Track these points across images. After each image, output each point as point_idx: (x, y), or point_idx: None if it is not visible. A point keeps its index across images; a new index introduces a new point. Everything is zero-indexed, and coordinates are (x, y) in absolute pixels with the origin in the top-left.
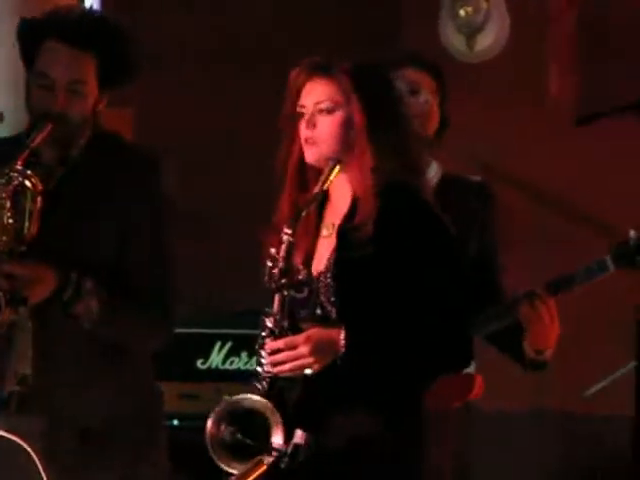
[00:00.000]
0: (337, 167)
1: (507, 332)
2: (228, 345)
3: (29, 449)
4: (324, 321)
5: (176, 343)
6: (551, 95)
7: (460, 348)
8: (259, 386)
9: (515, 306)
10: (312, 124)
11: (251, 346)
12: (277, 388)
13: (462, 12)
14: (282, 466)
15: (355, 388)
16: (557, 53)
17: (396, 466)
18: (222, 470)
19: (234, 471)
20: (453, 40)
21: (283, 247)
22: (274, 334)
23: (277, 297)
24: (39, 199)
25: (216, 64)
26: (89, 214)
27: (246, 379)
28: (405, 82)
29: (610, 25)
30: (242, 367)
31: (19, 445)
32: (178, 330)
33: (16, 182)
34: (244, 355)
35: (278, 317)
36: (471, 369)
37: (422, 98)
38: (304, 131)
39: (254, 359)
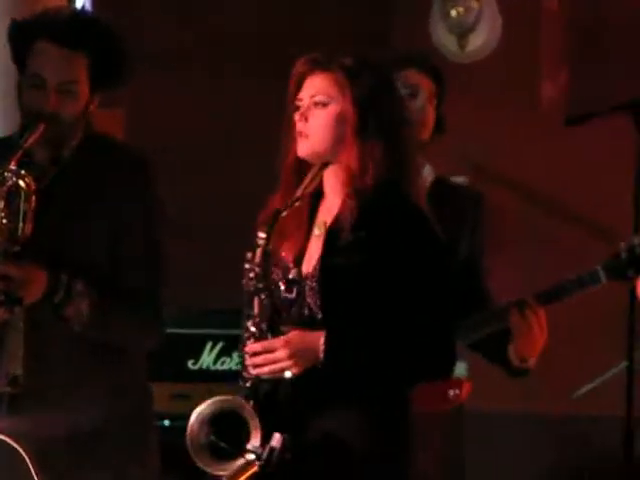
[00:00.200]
0: (322, 171)
1: (492, 339)
2: (219, 346)
3: (21, 450)
4: (310, 323)
5: (167, 343)
6: (542, 95)
7: (443, 357)
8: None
9: (505, 314)
10: (305, 117)
11: None
12: (260, 390)
13: (453, 12)
14: (256, 469)
15: (337, 392)
16: (548, 53)
17: (382, 472)
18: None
19: (211, 471)
20: (444, 40)
21: (258, 252)
22: (254, 336)
23: (256, 300)
24: (33, 199)
25: (207, 64)
26: (80, 214)
27: (237, 380)
28: (404, 84)
29: (601, 25)
30: (233, 367)
31: (10, 446)
32: (169, 330)
33: (10, 182)
34: (235, 355)
35: (257, 320)
36: (462, 371)
37: (419, 103)
38: (298, 124)
39: None
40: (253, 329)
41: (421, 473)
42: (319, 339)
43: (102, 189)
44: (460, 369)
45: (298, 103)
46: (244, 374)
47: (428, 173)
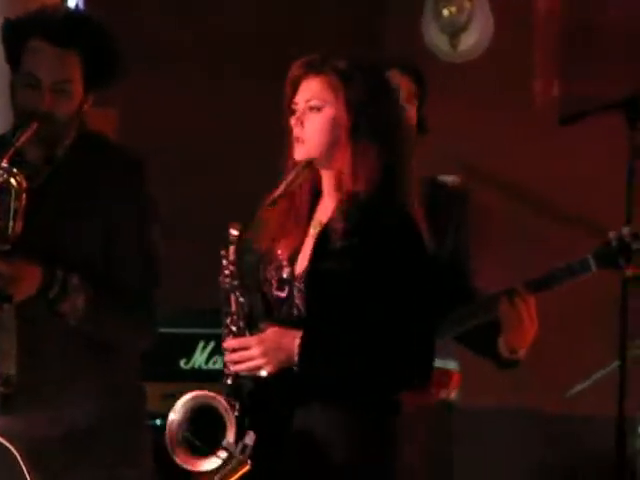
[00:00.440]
0: (305, 169)
1: (481, 331)
2: (211, 345)
3: (13, 450)
4: (299, 323)
5: (159, 343)
6: (535, 94)
7: (418, 371)
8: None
9: (494, 303)
10: (301, 122)
11: None
12: (243, 388)
13: (445, 12)
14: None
15: (316, 389)
16: (541, 52)
17: (369, 465)
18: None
19: (189, 468)
20: (436, 40)
21: (231, 249)
22: (233, 333)
23: (232, 297)
24: (23, 197)
25: (207, 64)
26: (73, 213)
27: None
28: None
29: (594, 24)
30: None
31: (3, 446)
32: (161, 330)
33: (1, 180)
34: None
35: (235, 317)
36: (453, 367)
37: None
38: (294, 129)
39: None
40: (231, 326)
41: (407, 466)
42: (295, 340)
43: (95, 188)
44: (451, 366)
45: (294, 107)
46: (225, 370)
47: None
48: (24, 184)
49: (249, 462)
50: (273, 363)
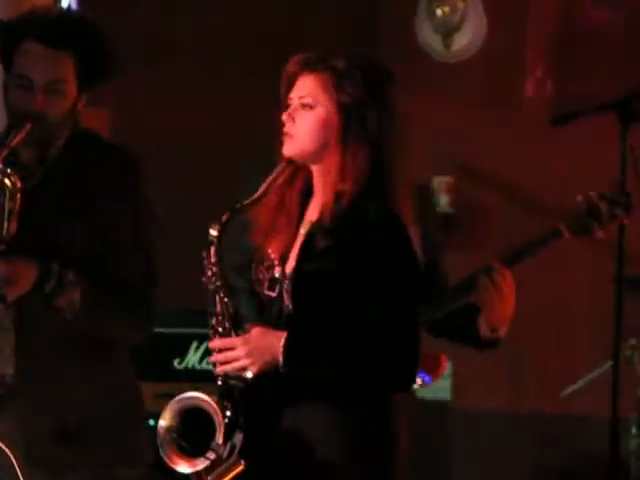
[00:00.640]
0: (289, 168)
1: (458, 316)
2: (205, 345)
3: (7, 450)
4: (287, 323)
5: (152, 343)
6: (528, 95)
7: (401, 374)
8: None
9: (472, 283)
10: (292, 117)
11: None
12: (230, 387)
13: (439, 12)
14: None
15: (304, 389)
16: (534, 53)
17: (357, 465)
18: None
19: (179, 469)
20: (430, 40)
21: (212, 250)
22: (219, 333)
23: (217, 298)
24: (18, 198)
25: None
26: (68, 213)
27: None
28: None
29: (587, 25)
30: None
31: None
32: (154, 330)
33: None
34: None
35: (220, 317)
36: (447, 369)
37: None
38: (285, 124)
39: None
40: (217, 327)
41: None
42: (280, 340)
43: (90, 188)
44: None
45: (288, 103)
46: (214, 371)
47: None
48: (18, 184)
49: (243, 462)
50: (258, 363)
